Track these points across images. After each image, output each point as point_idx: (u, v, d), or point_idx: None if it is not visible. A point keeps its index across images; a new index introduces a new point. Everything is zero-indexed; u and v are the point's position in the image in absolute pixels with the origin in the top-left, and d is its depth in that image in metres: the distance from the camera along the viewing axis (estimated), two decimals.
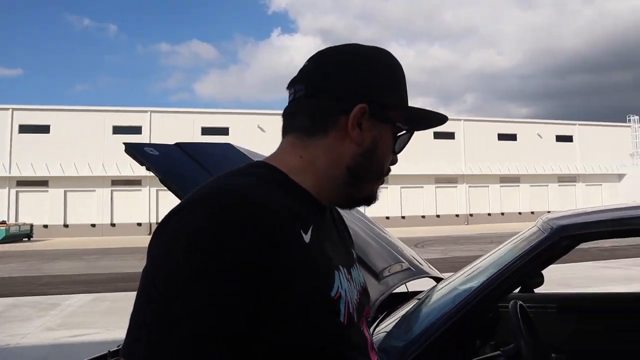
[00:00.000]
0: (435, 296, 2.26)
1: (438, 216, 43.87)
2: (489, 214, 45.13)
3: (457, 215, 44.62)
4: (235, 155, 2.84)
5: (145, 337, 0.69)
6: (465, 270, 2.36)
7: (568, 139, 50.18)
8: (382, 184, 0.94)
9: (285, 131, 0.92)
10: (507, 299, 2.90)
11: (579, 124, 51.35)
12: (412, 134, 0.95)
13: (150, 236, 0.78)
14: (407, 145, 0.95)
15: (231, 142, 3.13)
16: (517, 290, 3.16)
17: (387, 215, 40.31)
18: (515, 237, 2.28)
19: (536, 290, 3.24)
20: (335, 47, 0.93)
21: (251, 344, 0.74)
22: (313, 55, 0.93)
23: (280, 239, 0.75)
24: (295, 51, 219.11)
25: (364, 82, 0.88)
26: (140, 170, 29.35)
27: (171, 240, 0.73)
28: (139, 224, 36.59)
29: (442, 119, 0.96)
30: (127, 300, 9.15)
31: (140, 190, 36.62)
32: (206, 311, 0.69)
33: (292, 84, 0.91)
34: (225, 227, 0.72)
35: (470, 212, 44.94)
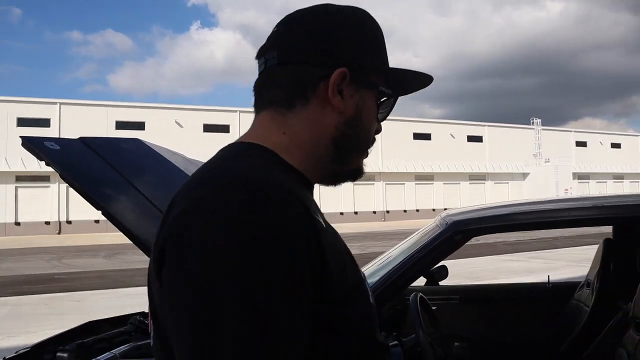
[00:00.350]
0: None
1: (356, 213, 44.79)
2: (405, 211, 46.64)
3: (374, 212, 45.75)
4: (143, 151, 2.76)
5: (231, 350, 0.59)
6: (372, 264, 2.44)
7: (478, 139, 52.79)
8: (367, 156, 0.88)
9: (259, 106, 0.84)
10: (412, 291, 3.03)
11: (488, 125, 54.17)
12: (396, 98, 0.89)
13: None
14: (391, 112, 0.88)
15: (146, 138, 3.05)
16: (424, 283, 3.32)
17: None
18: (417, 232, 2.39)
19: (441, 283, 3.41)
20: (306, 8, 0.84)
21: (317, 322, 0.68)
22: (282, 19, 0.85)
23: (315, 221, 0.71)
24: (214, 45, 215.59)
25: (341, 43, 0.80)
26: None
27: (229, 246, 0.62)
28: (47, 223, 34.63)
29: (427, 80, 0.89)
30: (30, 304, 8.66)
31: (48, 186, 34.62)
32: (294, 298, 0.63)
33: (262, 53, 0.83)
34: (280, 216, 0.65)
35: (387, 209, 46.23)
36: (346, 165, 0.86)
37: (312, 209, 0.72)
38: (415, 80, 0.89)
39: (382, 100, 0.86)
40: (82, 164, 2.32)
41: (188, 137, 36.63)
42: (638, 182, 56.87)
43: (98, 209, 2.02)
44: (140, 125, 36.94)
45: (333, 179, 0.87)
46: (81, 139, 2.52)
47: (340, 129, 0.81)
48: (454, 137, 50.96)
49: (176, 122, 39.23)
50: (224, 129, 41.32)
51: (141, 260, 16.03)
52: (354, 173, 0.88)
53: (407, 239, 2.36)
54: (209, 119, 41.25)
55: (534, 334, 2.98)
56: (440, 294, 3.30)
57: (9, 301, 9.14)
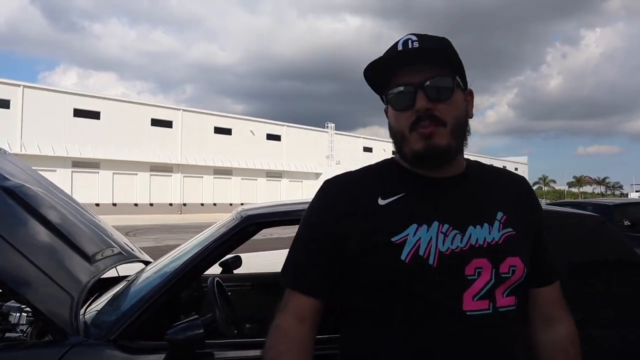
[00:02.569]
0: (143, 276, 2.50)
1: (152, 204, 43.26)
2: (202, 204, 46.42)
3: (170, 204, 44.68)
4: None
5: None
6: (171, 253, 2.65)
7: (277, 138, 54.80)
8: (415, 137, 1.16)
9: None
10: (209, 277, 3.30)
11: (287, 125, 56.55)
12: (390, 90, 1.20)
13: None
14: (400, 99, 1.18)
15: None
16: (220, 271, 3.61)
17: (97, 202, 38.05)
18: (215, 224, 2.67)
19: (235, 272, 3.73)
20: None
21: (338, 258, 1.19)
22: None
23: (353, 202, 1.19)
24: None
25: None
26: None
27: None
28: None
29: (395, 54, 1.19)
30: None
31: None
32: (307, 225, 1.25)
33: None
34: (321, 192, 1.27)
35: (184, 202, 45.51)
36: (406, 155, 1.20)
37: (377, 194, 1.20)
38: (377, 71, 1.22)
39: (388, 97, 1.21)
40: None
41: (13, 117, 31.80)
42: None
43: None
44: None
45: (411, 165, 1.22)
46: None
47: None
48: (254, 134, 52.18)
49: None
50: (4, 104, 36.48)
51: None
52: (413, 156, 1.18)
53: (205, 231, 2.62)
54: None
55: None
56: (235, 281, 3.63)
57: None
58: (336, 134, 59.88)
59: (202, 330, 1.86)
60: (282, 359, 1.15)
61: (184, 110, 47.69)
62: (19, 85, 37.72)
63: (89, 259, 2.51)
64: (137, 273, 2.69)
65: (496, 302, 1.14)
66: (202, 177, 47.32)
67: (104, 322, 2.07)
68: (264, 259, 10.87)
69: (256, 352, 2.05)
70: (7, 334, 2.36)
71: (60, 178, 35.42)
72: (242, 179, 50.33)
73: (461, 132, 1.20)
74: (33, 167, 3.37)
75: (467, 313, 1.11)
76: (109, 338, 1.97)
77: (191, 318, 1.90)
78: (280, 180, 54.19)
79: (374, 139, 67.31)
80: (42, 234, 2.39)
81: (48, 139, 37.70)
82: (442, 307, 1.11)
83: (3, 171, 2.58)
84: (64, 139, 38.59)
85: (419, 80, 1.15)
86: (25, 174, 2.96)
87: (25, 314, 2.43)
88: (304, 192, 53.16)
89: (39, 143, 37.19)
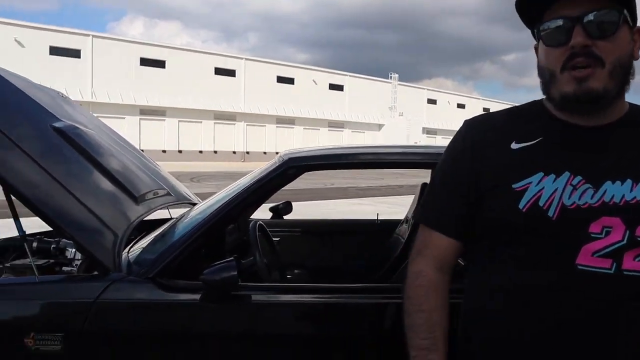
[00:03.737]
0: (188, 217, 2.53)
1: (216, 152, 44.35)
2: (265, 153, 47.14)
3: (234, 152, 45.64)
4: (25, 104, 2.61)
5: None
6: (215, 196, 2.65)
7: (339, 88, 54.32)
8: (567, 78, 1.06)
9: None
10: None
11: (350, 75, 55.85)
12: (543, 24, 1.10)
13: None
14: (553, 31, 1.08)
15: None
16: (270, 217, 3.62)
17: (163, 149, 39.38)
18: (259, 168, 2.64)
19: (287, 217, 3.75)
20: None
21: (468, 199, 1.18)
22: None
23: (489, 142, 1.18)
24: None
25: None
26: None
27: None
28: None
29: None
30: None
31: None
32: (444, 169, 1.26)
33: None
34: (460, 131, 1.26)
35: (247, 150, 46.36)
36: (554, 98, 1.12)
37: (512, 138, 1.16)
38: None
39: (541, 33, 1.12)
40: None
41: (31, 60, 33.20)
42: None
43: None
44: None
45: (558, 108, 1.15)
46: None
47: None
48: (316, 83, 51.92)
49: (16, 40, 35.18)
50: (75, 53, 37.89)
51: None
52: (560, 98, 1.10)
53: (249, 174, 2.60)
54: (56, 40, 37.49)
55: (362, 262, 3.40)
56: (284, 226, 3.64)
57: None
58: (400, 85, 58.67)
59: (236, 273, 1.85)
60: (428, 312, 1.17)
61: (247, 59, 47.89)
62: (88, 35, 38.94)
63: (136, 199, 2.56)
64: (184, 213, 2.73)
65: (622, 264, 1.05)
66: (264, 126, 47.85)
67: (145, 260, 2.12)
68: (320, 209, 10.99)
69: (293, 297, 2.04)
70: (63, 268, 2.49)
71: (128, 125, 36.79)
72: (304, 128, 50.52)
73: (623, 75, 1.08)
74: (103, 115, 3.48)
75: (579, 267, 1.06)
76: (148, 275, 2.01)
77: (227, 259, 1.90)
78: (342, 131, 54.03)
79: (439, 91, 65.57)
80: (91, 173, 2.45)
81: (117, 88, 39.00)
82: (553, 257, 1.07)
83: (57, 113, 2.65)
84: (132, 88, 39.80)
85: (578, 13, 1.04)
86: (81, 116, 3.04)
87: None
88: (366, 143, 52.87)
89: (108, 91, 38.56)
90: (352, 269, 3.34)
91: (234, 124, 46.11)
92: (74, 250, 2.57)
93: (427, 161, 2.29)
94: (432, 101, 62.60)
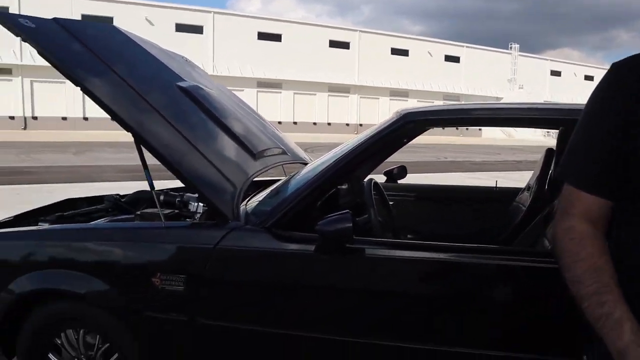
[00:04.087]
0: (303, 172, 2.55)
1: (329, 124, 44.85)
2: None
3: (347, 125, 45.87)
4: (119, 38, 2.83)
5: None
6: (330, 153, 2.65)
7: (455, 59, 52.36)
8: None
9: None
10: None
11: (467, 46, 53.57)
12: None
13: None
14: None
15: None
16: (384, 181, 3.58)
17: (279, 120, 40.52)
18: (374, 126, 2.58)
19: (401, 182, 3.68)
20: None
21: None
22: None
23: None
24: None
25: None
26: (9, 58, 26.00)
27: None
28: (12, 118, 33.82)
29: None
30: (1, 194, 8.75)
31: (11, 80, 33.46)
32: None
33: None
34: (608, 75, 1.13)
35: (361, 122, 46.40)
36: None
37: None
38: None
39: None
40: (58, 42, 2.38)
41: (159, 36, 35.31)
42: None
43: (76, 85, 2.12)
44: (108, 21, 35.35)
45: None
46: (55, 19, 2.56)
47: None
48: (431, 55, 50.44)
49: (147, 19, 37.69)
50: (198, 29, 39.89)
51: (111, 158, 15.81)
52: None
53: (365, 132, 2.56)
54: (181, 18, 39.67)
55: (479, 229, 3.27)
56: (399, 190, 3.58)
57: None
58: (520, 55, 55.29)
59: (350, 225, 1.83)
60: (588, 259, 1.06)
61: (361, 31, 47.56)
62: (210, 12, 40.74)
63: (254, 156, 2.64)
64: (299, 170, 2.77)
65: None
66: (378, 98, 47.50)
67: (262, 212, 2.18)
68: (439, 181, 10.75)
69: (408, 253, 1.99)
70: (186, 219, 2.65)
71: (246, 97, 37.84)
72: (417, 101, 49.50)
73: None
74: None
75: None
76: (264, 225, 2.06)
77: (342, 212, 1.89)
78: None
79: (564, 62, 60.91)
80: (213, 130, 2.57)
81: (236, 61, 40.57)
82: None
83: (182, 75, 2.81)
84: (250, 61, 41.18)
85: None
86: (204, 79, 3.20)
87: (202, 204, 2.67)
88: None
89: (228, 65, 40.22)
90: (467, 235, 3.23)
91: (348, 96, 46.22)
92: (196, 204, 2.72)
93: (556, 117, 2.11)
94: (555, 73, 58.37)
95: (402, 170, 3.66)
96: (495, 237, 2.86)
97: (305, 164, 3.25)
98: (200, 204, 2.72)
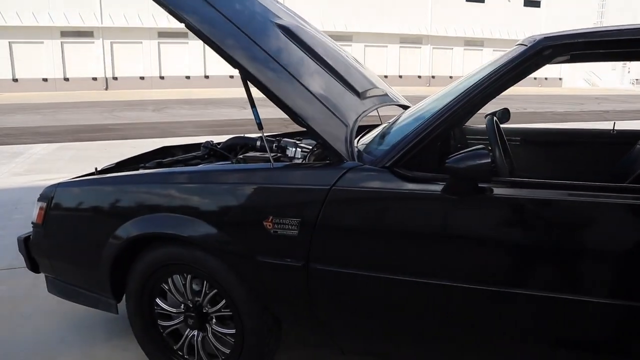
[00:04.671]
0: (413, 113, 2.36)
1: (401, 77, 43.80)
2: (451, 77, 45.35)
3: (419, 77, 44.66)
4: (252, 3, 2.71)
5: None
6: (445, 89, 2.43)
7: (536, 4, 49.27)
8: None
9: None
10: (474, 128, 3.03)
11: None
12: None
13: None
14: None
15: None
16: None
17: None
18: (494, 59, 2.32)
19: (502, 126, 3.40)
20: None
21: None
22: None
23: None
24: None
25: None
26: (91, 21, 26.85)
27: None
28: (94, 79, 35.28)
29: None
30: (91, 150, 9.12)
31: (93, 42, 34.74)
32: None
33: None
34: None
35: (433, 74, 45.03)
36: None
37: None
38: None
39: None
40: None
41: None
42: None
43: (181, 21, 2.03)
44: None
45: None
46: None
47: None
48: (509, 0, 47.69)
49: None
50: None
51: (189, 114, 16.25)
52: None
53: (486, 64, 2.30)
54: None
55: (596, 175, 2.98)
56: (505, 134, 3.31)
57: (71, 146, 9.64)
58: None
59: (489, 160, 1.63)
60: None
61: None
62: None
63: (359, 95, 2.53)
64: (401, 114, 2.58)
65: None
66: (451, 48, 45.72)
67: (378, 151, 2.02)
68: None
69: (547, 194, 1.76)
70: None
71: None
72: (493, 50, 47.22)
73: None
74: None
75: None
76: (384, 165, 1.89)
77: (476, 147, 1.69)
78: None
79: None
80: (318, 69, 2.47)
81: (308, 15, 40.08)
82: None
83: (276, 12, 2.70)
84: (319, 15, 40.56)
85: None
86: (297, 18, 3.08)
87: (300, 149, 2.61)
88: (566, 66, 47.90)
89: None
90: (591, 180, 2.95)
91: (420, 47, 44.74)
92: (294, 149, 2.62)
93: None
94: None
95: (505, 113, 3.38)
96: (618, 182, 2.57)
97: (405, 106, 3.08)
98: (299, 149, 2.64)
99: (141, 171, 2.54)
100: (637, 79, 35.50)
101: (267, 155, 2.61)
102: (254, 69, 2.06)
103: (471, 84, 1.91)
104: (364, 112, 2.39)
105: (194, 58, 34.21)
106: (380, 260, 1.90)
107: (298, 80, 2.17)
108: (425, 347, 2.00)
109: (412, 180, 1.86)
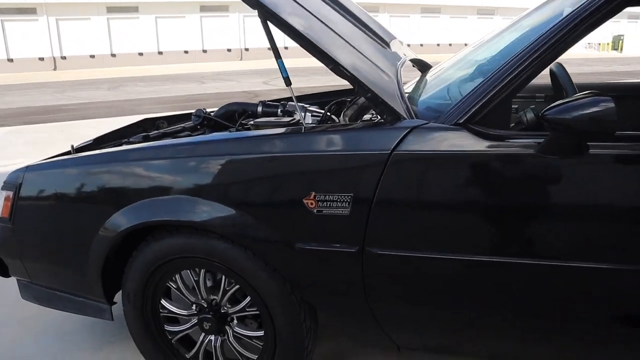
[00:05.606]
0: (471, 60, 2.00)
1: (422, 45, 42.96)
2: (466, 45, 44.96)
3: (438, 45, 43.91)
4: None
5: None
6: (506, 33, 2.05)
7: None
8: None
9: None
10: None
11: None
12: None
13: None
14: None
15: None
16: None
17: None
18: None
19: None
20: None
21: None
22: None
23: None
24: None
25: None
26: None
27: None
28: (41, 59, 33.52)
29: None
30: (45, 132, 8.47)
31: (37, 20, 32.84)
32: None
33: None
34: None
35: (450, 42, 44.35)
36: None
37: None
38: None
39: None
40: None
41: None
42: None
43: None
44: None
45: None
46: None
47: None
48: None
49: None
50: None
51: (146, 92, 15.55)
52: None
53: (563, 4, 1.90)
54: None
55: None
56: (529, 92, 2.99)
57: (24, 129, 9.03)
58: None
59: (613, 104, 1.26)
60: None
61: None
62: None
63: (389, 49, 2.45)
64: (441, 65, 2.24)
65: None
66: (465, 17, 44.98)
67: (442, 105, 1.69)
68: None
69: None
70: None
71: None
72: (502, 18, 46.90)
73: None
74: None
75: None
76: (456, 122, 1.52)
77: (586, 92, 1.32)
78: (492, 18, 49.64)
79: None
80: (356, 30, 2.33)
81: None
82: None
83: None
84: None
85: None
86: None
87: (310, 113, 2.38)
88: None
89: None
90: None
91: (439, 17, 43.85)
92: (304, 113, 2.36)
93: None
94: None
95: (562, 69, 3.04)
96: None
97: (419, 61, 2.74)
98: (309, 114, 2.35)
99: (132, 146, 2.07)
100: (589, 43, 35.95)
101: (283, 121, 2.21)
102: (297, 24, 1.76)
103: (555, 27, 1.55)
104: (400, 65, 2.21)
105: (147, 34, 32.90)
106: (459, 240, 1.57)
107: (335, 32, 1.96)
108: (511, 342, 1.68)
109: (498, 139, 1.50)
